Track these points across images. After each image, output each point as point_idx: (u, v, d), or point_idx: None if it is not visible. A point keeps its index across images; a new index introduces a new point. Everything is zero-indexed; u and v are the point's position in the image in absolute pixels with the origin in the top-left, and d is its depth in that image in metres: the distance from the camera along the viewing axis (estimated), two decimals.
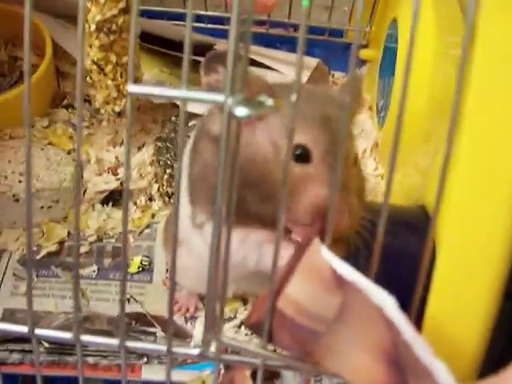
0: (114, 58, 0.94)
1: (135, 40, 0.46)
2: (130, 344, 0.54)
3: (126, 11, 0.91)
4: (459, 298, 0.50)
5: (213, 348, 0.53)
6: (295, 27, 1.23)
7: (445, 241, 0.50)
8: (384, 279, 0.48)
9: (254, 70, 1.08)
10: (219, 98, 0.44)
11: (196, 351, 0.53)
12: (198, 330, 0.85)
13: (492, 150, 0.49)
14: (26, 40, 0.46)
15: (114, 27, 0.91)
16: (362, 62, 1.24)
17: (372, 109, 1.15)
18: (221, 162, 0.45)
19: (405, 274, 0.52)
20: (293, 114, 0.45)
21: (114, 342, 0.54)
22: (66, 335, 0.55)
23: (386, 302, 0.44)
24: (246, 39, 0.43)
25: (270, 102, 0.44)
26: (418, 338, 0.43)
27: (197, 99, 0.45)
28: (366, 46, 1.23)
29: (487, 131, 0.49)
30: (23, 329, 0.56)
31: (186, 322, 0.88)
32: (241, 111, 0.42)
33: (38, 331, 0.55)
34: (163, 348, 0.54)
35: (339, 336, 0.48)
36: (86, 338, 0.54)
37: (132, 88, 0.45)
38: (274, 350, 0.54)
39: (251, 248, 0.65)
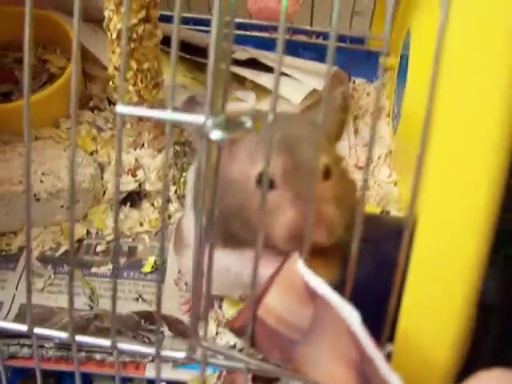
0: (134, 65, 0.97)
1: (125, 64, 0.49)
2: (122, 346, 0.57)
3: (146, 20, 0.94)
4: (431, 310, 0.51)
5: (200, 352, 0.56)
6: (317, 34, 1.26)
7: (416, 251, 0.50)
8: (377, 287, 0.51)
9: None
10: (200, 119, 0.46)
11: (183, 355, 0.57)
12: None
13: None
14: (26, 43, 0.49)
15: (134, 35, 0.94)
16: (384, 70, 1.25)
17: (390, 116, 1.17)
18: (199, 183, 0.48)
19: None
20: (268, 140, 0.48)
21: (106, 343, 0.58)
22: (63, 335, 0.58)
23: (352, 316, 0.47)
24: (228, 41, 0.45)
25: (249, 123, 0.47)
26: (378, 353, 0.46)
27: (180, 121, 0.47)
28: (387, 54, 1.25)
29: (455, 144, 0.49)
30: (23, 327, 0.59)
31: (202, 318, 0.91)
32: (216, 134, 0.45)
33: (36, 330, 0.59)
34: (152, 351, 0.57)
35: (313, 345, 0.51)
36: (80, 338, 0.58)
37: (120, 109, 0.48)
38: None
39: (246, 263, 0.68)
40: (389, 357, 0.51)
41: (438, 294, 0.50)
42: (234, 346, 0.86)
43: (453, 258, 0.49)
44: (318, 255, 0.61)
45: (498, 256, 0.68)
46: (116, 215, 0.53)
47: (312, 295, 0.50)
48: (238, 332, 0.57)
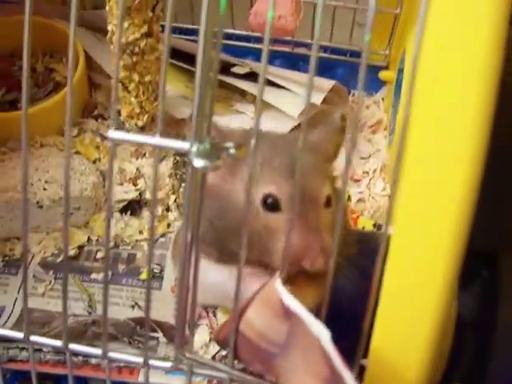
0: (136, 77, 1.01)
1: (117, 90, 0.52)
2: (112, 354, 0.60)
3: (148, 35, 0.97)
4: (403, 327, 0.52)
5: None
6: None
7: (389, 267, 0.51)
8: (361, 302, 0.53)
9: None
10: (185, 146, 0.49)
11: (169, 365, 0.60)
12: (197, 337, 0.91)
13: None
14: (25, 52, 0.52)
15: (136, 49, 0.97)
16: (382, 83, 1.28)
17: (387, 129, 1.20)
18: (185, 208, 0.50)
19: None
20: (253, 162, 0.50)
21: (97, 351, 0.61)
22: (57, 343, 0.61)
23: (322, 333, 0.50)
24: (217, 50, 0.47)
25: (232, 150, 0.49)
26: (346, 370, 0.49)
27: (167, 146, 0.50)
28: (386, 68, 1.27)
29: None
30: (19, 335, 0.62)
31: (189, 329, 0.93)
32: (199, 163, 0.47)
33: (32, 338, 0.62)
34: (140, 360, 0.60)
35: (289, 359, 0.54)
36: (73, 346, 0.61)
37: (112, 134, 0.51)
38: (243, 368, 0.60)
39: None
40: (362, 372, 0.54)
41: (410, 311, 0.52)
42: (226, 355, 0.88)
43: (425, 276, 0.50)
44: (306, 278, 0.64)
45: (478, 276, 0.70)
46: (107, 228, 0.56)
47: (287, 312, 0.53)
48: (222, 343, 0.60)
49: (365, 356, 0.54)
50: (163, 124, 0.50)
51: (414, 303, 0.51)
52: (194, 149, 0.47)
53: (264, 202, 0.68)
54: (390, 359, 0.53)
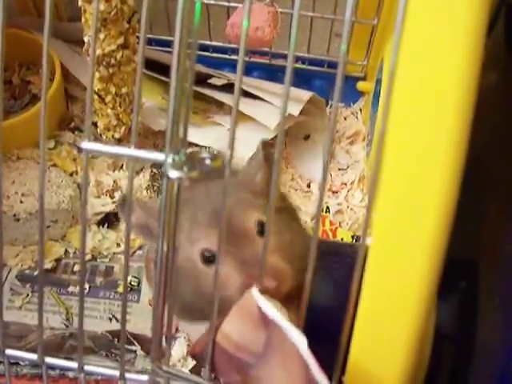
0: (113, 89, 1.00)
1: (90, 104, 0.51)
2: (88, 368, 0.60)
3: (124, 47, 0.97)
4: (380, 340, 0.52)
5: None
6: (296, 58, 1.28)
7: (367, 279, 0.51)
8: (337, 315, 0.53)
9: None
10: (160, 157, 0.48)
11: (146, 378, 0.59)
12: (175, 350, 0.91)
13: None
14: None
15: (112, 61, 0.96)
16: (360, 94, 1.28)
17: (365, 140, 1.20)
18: (160, 219, 0.50)
19: None
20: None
21: (73, 365, 0.60)
22: (33, 356, 0.61)
23: (299, 341, 0.50)
24: (191, 61, 0.47)
25: (208, 161, 0.49)
26: (323, 377, 0.48)
27: (142, 158, 0.50)
28: (364, 79, 1.28)
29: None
30: None
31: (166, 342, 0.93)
32: (174, 174, 0.47)
33: (8, 351, 0.61)
34: (116, 373, 0.60)
35: (266, 368, 0.54)
36: (49, 360, 0.60)
37: (86, 145, 0.50)
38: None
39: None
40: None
41: (388, 323, 0.51)
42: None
43: (403, 287, 0.50)
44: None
45: (456, 287, 0.70)
46: (83, 240, 0.55)
47: (265, 320, 0.53)
48: (199, 357, 0.60)
49: (343, 370, 0.53)
50: (139, 136, 0.50)
51: (392, 315, 0.51)
52: (169, 160, 0.47)
53: (202, 257, 0.68)
54: (369, 372, 0.53)
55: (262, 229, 0.69)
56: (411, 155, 0.47)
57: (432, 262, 0.49)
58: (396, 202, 0.48)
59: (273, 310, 0.52)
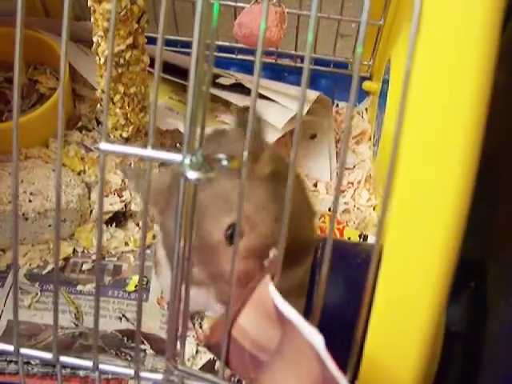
0: (121, 89, 1.00)
1: (107, 103, 0.52)
2: (103, 366, 0.60)
3: (133, 47, 0.97)
4: (396, 335, 0.52)
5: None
6: (302, 58, 1.28)
7: (382, 277, 0.51)
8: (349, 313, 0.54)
9: None
10: (178, 158, 0.49)
11: (160, 376, 0.60)
12: (186, 348, 0.91)
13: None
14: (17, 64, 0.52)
15: (121, 61, 0.97)
16: (366, 94, 1.28)
17: (372, 140, 1.20)
18: (177, 221, 0.50)
19: None
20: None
21: (88, 364, 0.60)
22: (47, 355, 0.61)
23: (315, 339, 0.50)
24: (209, 63, 0.47)
25: (225, 162, 0.50)
26: (341, 376, 0.49)
27: (159, 158, 0.50)
28: (370, 79, 1.28)
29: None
30: (9, 347, 0.62)
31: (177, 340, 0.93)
32: (192, 175, 0.47)
33: (22, 351, 0.62)
34: (131, 372, 0.60)
35: (279, 366, 0.54)
36: (64, 358, 0.61)
37: (104, 146, 0.51)
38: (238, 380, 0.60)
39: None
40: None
41: (402, 322, 0.51)
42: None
43: (417, 284, 0.50)
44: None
45: (466, 286, 0.71)
46: (99, 237, 0.56)
47: (280, 317, 0.53)
48: (214, 349, 0.60)
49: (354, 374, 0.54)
50: (145, 135, 0.50)
51: (406, 316, 0.51)
52: (187, 161, 0.47)
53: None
54: (383, 369, 0.53)
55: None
56: (425, 156, 0.47)
57: (446, 262, 0.49)
58: (410, 202, 0.48)
59: (288, 308, 0.52)
